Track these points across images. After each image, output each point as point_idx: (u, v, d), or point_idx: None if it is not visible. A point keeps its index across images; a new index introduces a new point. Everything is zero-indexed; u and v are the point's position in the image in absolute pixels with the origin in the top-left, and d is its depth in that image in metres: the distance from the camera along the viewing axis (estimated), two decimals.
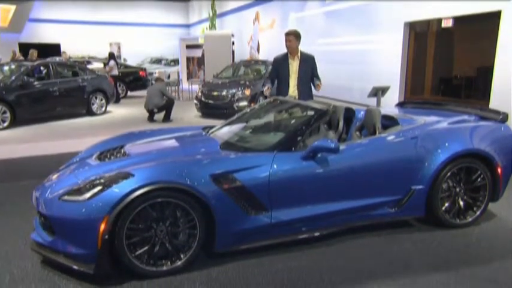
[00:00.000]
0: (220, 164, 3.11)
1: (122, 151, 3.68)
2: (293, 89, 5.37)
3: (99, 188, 2.85)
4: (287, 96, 5.28)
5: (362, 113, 4.31)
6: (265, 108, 4.47)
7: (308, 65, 5.38)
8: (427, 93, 10.53)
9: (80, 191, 2.92)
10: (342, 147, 3.34)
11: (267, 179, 3.09)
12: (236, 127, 4.20)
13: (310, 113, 3.66)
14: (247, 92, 9.96)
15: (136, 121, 9.79)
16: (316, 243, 3.41)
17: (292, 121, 4.01)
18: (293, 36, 5.28)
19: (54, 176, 3.45)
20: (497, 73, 7.37)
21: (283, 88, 5.43)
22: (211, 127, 4.34)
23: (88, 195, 2.83)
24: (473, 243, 3.50)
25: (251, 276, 2.96)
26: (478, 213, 3.77)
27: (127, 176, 2.88)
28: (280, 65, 5.46)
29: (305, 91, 5.37)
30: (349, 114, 4.38)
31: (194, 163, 3.12)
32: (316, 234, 3.35)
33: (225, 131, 4.11)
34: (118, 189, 2.78)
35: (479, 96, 9.54)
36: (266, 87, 5.53)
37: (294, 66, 5.36)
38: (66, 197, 2.93)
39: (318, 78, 5.45)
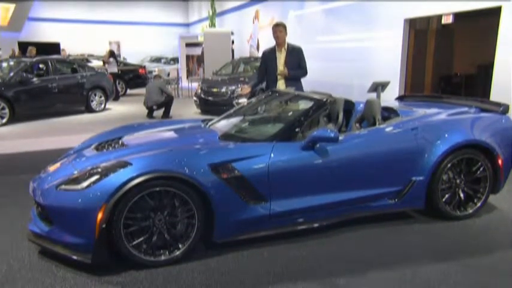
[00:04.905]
0: (219, 154, 3.08)
1: (120, 142, 3.65)
2: (282, 81, 5.33)
3: (96, 177, 2.83)
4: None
5: (361, 105, 4.29)
6: (264, 100, 4.45)
7: (295, 56, 5.34)
8: (427, 91, 10.51)
9: (77, 180, 2.89)
10: (341, 137, 3.32)
11: (266, 169, 3.07)
12: (235, 119, 4.18)
13: (309, 103, 3.63)
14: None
15: (135, 118, 9.74)
16: (315, 233, 3.39)
17: (291, 112, 3.98)
18: (282, 27, 5.34)
19: (52, 167, 3.43)
20: (497, 71, 7.31)
21: (272, 81, 5.39)
22: (210, 119, 4.33)
23: (85, 184, 2.81)
24: (474, 234, 3.47)
25: (249, 266, 2.94)
26: (478, 204, 3.74)
27: (125, 164, 2.86)
28: (268, 59, 5.45)
29: (293, 83, 5.27)
30: (349, 106, 4.35)
31: (193, 153, 3.09)
32: (315, 225, 3.32)
33: (224, 122, 4.09)
34: (116, 178, 2.75)
35: (479, 94, 9.52)
36: (242, 87, 5.55)
37: (281, 58, 5.35)
38: (63, 187, 2.90)
39: (303, 69, 5.39)
